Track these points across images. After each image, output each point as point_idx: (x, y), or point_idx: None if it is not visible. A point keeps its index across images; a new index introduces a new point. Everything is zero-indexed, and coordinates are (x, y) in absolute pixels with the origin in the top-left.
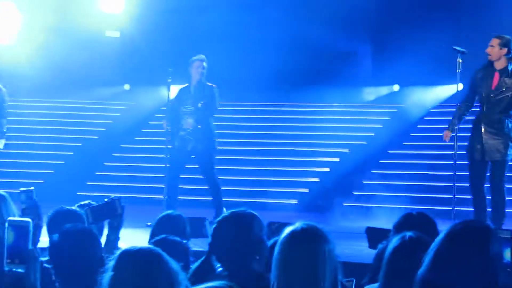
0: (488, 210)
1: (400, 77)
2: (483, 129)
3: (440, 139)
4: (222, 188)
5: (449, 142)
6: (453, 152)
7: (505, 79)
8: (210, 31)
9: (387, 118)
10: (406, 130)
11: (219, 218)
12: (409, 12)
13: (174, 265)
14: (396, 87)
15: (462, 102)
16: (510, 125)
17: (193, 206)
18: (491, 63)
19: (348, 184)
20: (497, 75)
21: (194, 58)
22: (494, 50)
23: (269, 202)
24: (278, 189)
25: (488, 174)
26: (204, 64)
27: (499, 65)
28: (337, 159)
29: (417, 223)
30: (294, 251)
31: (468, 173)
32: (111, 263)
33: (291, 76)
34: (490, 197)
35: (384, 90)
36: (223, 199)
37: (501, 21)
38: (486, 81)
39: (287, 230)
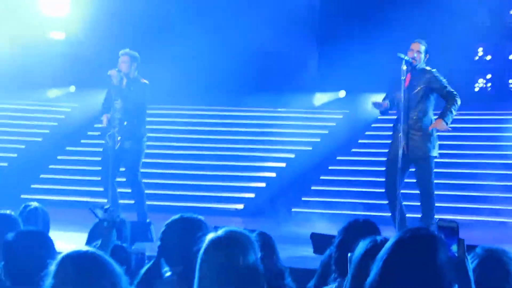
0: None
1: (346, 83)
2: (402, 129)
3: (387, 146)
4: (169, 192)
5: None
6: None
7: (415, 77)
8: (157, 34)
9: (333, 124)
10: (355, 136)
11: (168, 221)
12: (355, 18)
13: (117, 268)
14: (342, 93)
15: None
16: (427, 122)
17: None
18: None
19: (297, 190)
20: (408, 75)
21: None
22: (421, 56)
23: (215, 207)
24: (224, 194)
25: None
26: (125, 58)
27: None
28: (283, 164)
29: (362, 230)
30: (212, 258)
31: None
32: (52, 268)
33: (238, 81)
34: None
35: (330, 96)
36: (163, 203)
37: (443, 29)
38: (401, 83)
39: (208, 237)
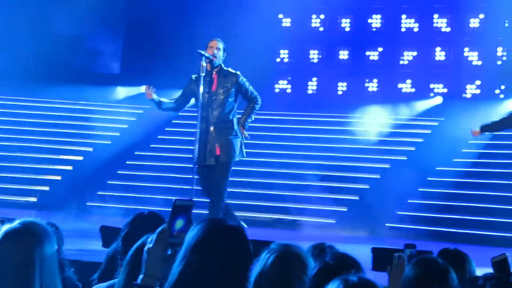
0: None
1: (148, 78)
2: (212, 131)
3: (186, 143)
4: None
5: (190, 146)
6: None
7: (223, 79)
8: None
9: (133, 119)
10: (154, 132)
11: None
12: (161, 16)
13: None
14: (143, 89)
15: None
16: (233, 124)
17: None
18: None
19: (93, 184)
20: (215, 76)
21: None
22: (220, 54)
23: (6, 199)
24: (17, 186)
25: None
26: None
27: (216, 67)
28: (81, 158)
29: (147, 223)
30: (5, 252)
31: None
32: None
33: (39, 72)
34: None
35: (132, 91)
36: None
37: (245, 31)
38: (206, 83)
39: (3, 228)
